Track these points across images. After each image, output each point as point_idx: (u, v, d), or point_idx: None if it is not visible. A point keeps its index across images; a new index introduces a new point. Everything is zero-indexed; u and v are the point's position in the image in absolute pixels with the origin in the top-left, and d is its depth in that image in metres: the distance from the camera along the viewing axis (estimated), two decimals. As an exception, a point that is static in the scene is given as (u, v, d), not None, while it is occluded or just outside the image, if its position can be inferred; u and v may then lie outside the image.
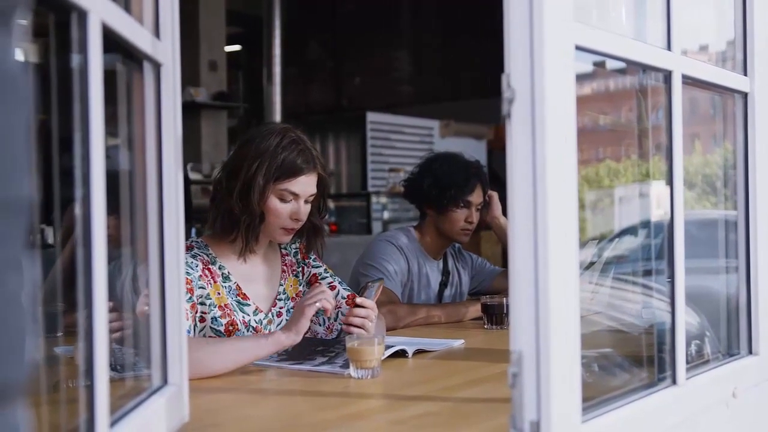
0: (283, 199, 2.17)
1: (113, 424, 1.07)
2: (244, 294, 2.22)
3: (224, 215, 2.19)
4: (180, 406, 1.38)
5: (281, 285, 2.32)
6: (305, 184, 2.18)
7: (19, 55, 0.54)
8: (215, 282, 2.17)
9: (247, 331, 2.18)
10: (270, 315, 2.26)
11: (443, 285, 3.09)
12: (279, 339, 1.94)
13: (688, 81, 1.56)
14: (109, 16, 1.04)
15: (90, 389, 0.99)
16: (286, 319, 2.27)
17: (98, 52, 1.00)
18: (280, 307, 2.30)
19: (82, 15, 0.97)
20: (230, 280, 2.20)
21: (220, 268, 2.20)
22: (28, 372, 0.56)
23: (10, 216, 0.51)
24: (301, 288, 2.36)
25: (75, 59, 0.99)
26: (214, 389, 1.77)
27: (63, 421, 1.16)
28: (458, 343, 2.31)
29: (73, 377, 1.48)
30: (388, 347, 2.01)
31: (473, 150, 6.11)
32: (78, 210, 0.99)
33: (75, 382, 1.47)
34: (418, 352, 2.15)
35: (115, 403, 1.09)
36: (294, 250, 2.40)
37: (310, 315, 1.96)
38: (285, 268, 2.36)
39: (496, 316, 2.61)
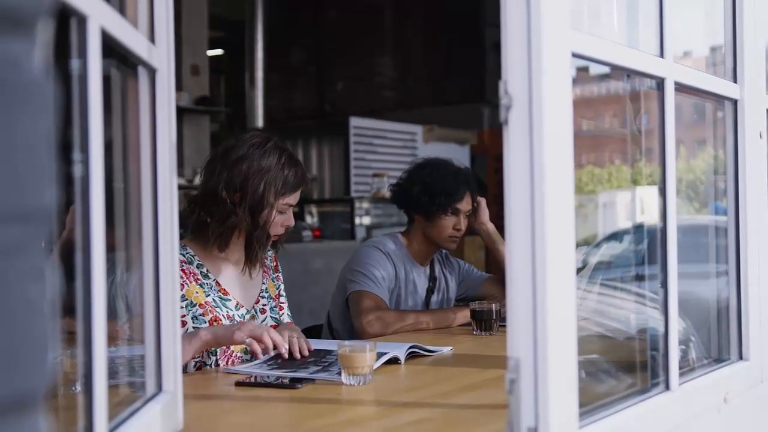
0: (282, 212, 2.28)
1: (110, 432, 1.06)
2: (224, 290, 2.27)
3: (229, 230, 2.23)
4: (174, 414, 1.37)
5: (263, 284, 2.41)
6: (299, 195, 2.32)
7: (42, 63, 0.54)
8: (191, 282, 2.21)
9: None
10: (253, 311, 2.34)
11: (430, 291, 3.09)
12: (200, 336, 2.00)
13: (680, 88, 1.57)
14: (107, 21, 1.04)
15: (88, 397, 0.98)
16: (271, 317, 2.38)
17: (98, 57, 0.99)
18: (263, 305, 2.38)
19: (82, 20, 0.97)
20: (210, 278, 2.26)
21: (198, 267, 2.25)
22: (49, 380, 0.56)
23: (33, 225, 0.51)
24: (277, 292, 2.46)
25: (74, 64, 0.98)
26: (207, 397, 1.76)
27: (58, 429, 1.15)
28: (447, 350, 2.31)
29: (63, 384, 1.47)
30: (380, 355, 2.01)
31: (456, 155, 6.12)
32: (77, 215, 0.98)
33: (66, 389, 1.46)
34: (411, 354, 2.16)
35: (109, 411, 1.08)
36: (269, 257, 2.48)
37: (236, 341, 2.00)
38: (266, 269, 2.44)
39: (485, 322, 2.61)
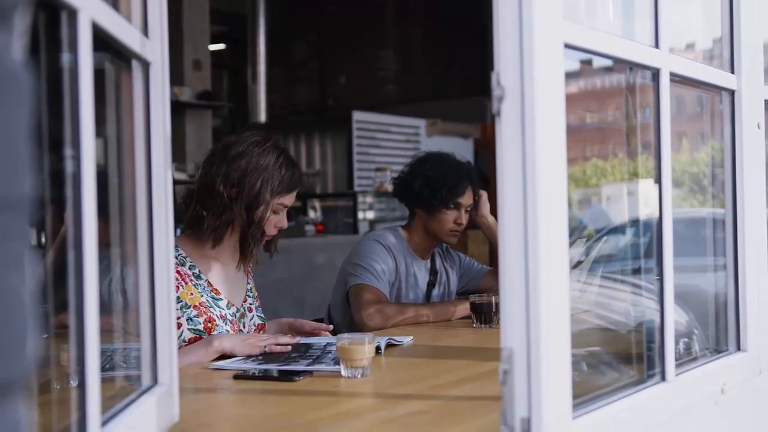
0: (276, 212, 2.29)
1: (104, 423, 1.07)
2: (216, 289, 2.30)
3: (224, 225, 2.25)
4: (170, 406, 1.38)
5: (248, 284, 2.44)
6: (294, 197, 2.34)
7: (19, 54, 0.54)
8: (186, 283, 2.23)
9: (225, 324, 2.26)
10: (242, 309, 2.37)
11: (431, 284, 3.09)
12: (216, 344, 2.08)
13: (676, 79, 1.56)
14: (98, 14, 1.04)
15: (81, 389, 0.98)
16: (257, 315, 2.42)
17: (88, 50, 0.99)
18: (250, 304, 2.42)
19: (72, 13, 0.97)
20: (202, 279, 2.28)
21: (190, 268, 2.27)
22: (29, 369, 0.57)
23: (13, 213, 0.51)
24: (256, 293, 2.51)
25: (64, 58, 0.98)
26: (203, 389, 1.76)
27: (52, 421, 1.16)
28: (408, 339, 2.34)
29: (59, 378, 1.48)
30: None
31: (460, 149, 6.12)
32: (68, 211, 0.98)
33: (62, 382, 1.46)
34: (389, 345, 2.20)
35: (104, 403, 1.08)
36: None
37: (256, 353, 2.09)
38: (250, 269, 2.47)
39: (485, 314, 2.61)
